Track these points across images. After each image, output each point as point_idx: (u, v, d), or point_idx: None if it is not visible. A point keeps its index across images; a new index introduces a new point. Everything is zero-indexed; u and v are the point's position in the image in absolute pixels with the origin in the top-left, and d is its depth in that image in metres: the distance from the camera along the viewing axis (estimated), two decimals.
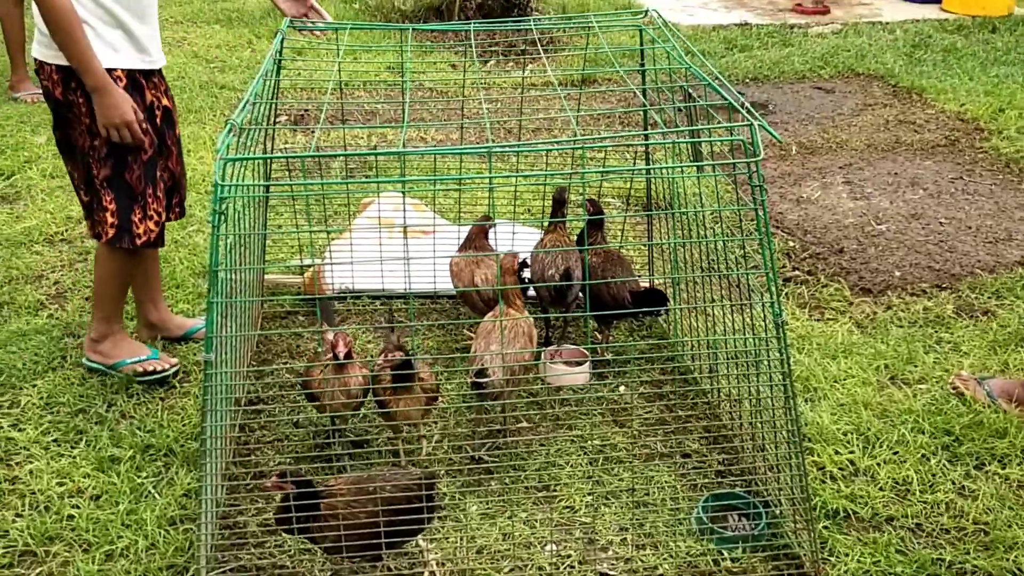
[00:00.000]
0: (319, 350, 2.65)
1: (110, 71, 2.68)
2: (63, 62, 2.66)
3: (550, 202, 3.27)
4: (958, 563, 2.36)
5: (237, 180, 2.28)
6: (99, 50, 2.66)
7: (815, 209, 4.46)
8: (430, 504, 2.23)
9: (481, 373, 2.59)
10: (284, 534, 2.30)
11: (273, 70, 2.76)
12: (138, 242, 2.83)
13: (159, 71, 2.92)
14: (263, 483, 2.18)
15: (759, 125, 2.11)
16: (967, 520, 2.50)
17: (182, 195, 3.11)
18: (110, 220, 2.80)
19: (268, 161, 3.19)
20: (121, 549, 2.40)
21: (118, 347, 3.03)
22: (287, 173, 4.04)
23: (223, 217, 2.02)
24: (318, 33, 3.06)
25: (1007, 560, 2.36)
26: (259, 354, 3.24)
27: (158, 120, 2.89)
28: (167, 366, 3.02)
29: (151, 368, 3.00)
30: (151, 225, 2.84)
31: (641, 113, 3.27)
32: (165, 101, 2.94)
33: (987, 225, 4.22)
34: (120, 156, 2.75)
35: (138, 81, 2.81)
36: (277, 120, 5.20)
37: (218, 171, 2.01)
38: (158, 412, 2.91)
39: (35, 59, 2.78)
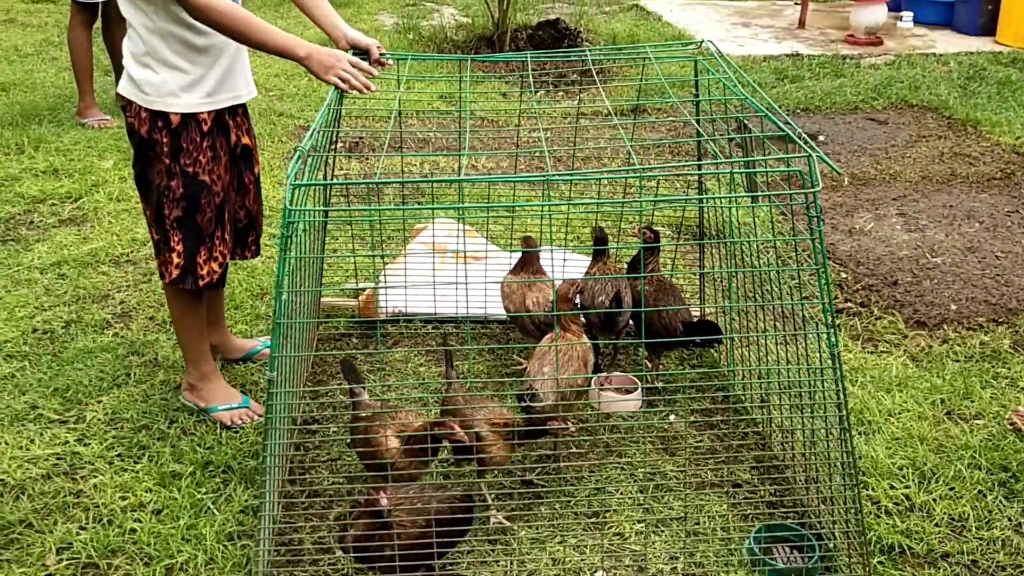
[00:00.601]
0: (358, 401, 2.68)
1: (197, 115, 2.71)
2: (150, 105, 2.68)
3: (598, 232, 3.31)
4: None
5: (302, 204, 2.35)
6: (191, 96, 2.68)
7: (868, 240, 4.43)
8: (470, 516, 2.30)
9: (532, 396, 2.62)
10: (350, 557, 2.33)
11: (336, 98, 2.85)
12: (201, 283, 2.85)
13: (244, 105, 2.94)
14: (378, 498, 2.22)
15: (817, 156, 2.12)
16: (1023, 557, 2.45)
17: (258, 233, 3.13)
18: (176, 260, 2.82)
19: (328, 187, 3.27)
20: (181, 563, 2.46)
21: (214, 393, 3.05)
22: (344, 199, 4.13)
23: (292, 241, 2.09)
24: (388, 62, 3.11)
25: None
26: (314, 375, 3.31)
27: (237, 159, 2.93)
28: (256, 417, 3.02)
29: (240, 422, 3.00)
30: (215, 267, 2.86)
31: (692, 143, 3.29)
32: (246, 139, 2.96)
33: None
34: (194, 198, 2.77)
35: (224, 121, 2.84)
36: (335, 147, 5.33)
37: (288, 196, 2.08)
38: (217, 429, 2.99)
39: (120, 95, 2.78)
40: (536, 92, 6.44)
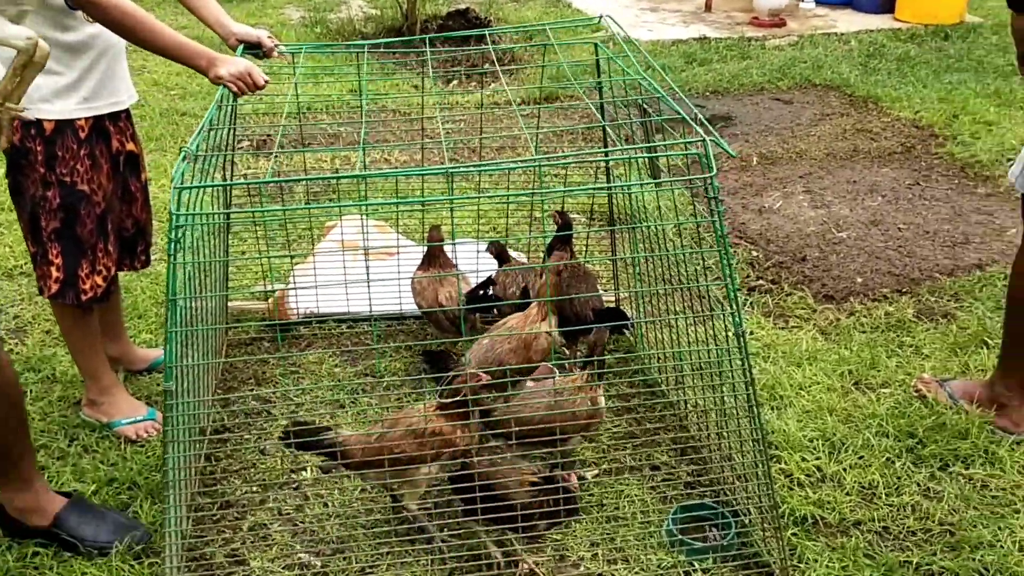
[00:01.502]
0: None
1: (72, 122, 2.59)
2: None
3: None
4: (925, 564, 2.39)
5: (195, 207, 2.26)
6: (66, 102, 2.56)
7: (777, 219, 4.51)
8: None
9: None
10: None
11: (228, 95, 2.75)
12: (83, 298, 2.71)
13: (127, 111, 2.83)
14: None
15: (712, 140, 2.13)
16: (933, 521, 2.52)
17: (148, 243, 3.01)
18: (55, 274, 2.67)
19: (228, 188, 3.17)
20: None
21: (116, 406, 2.92)
22: (249, 199, 4.02)
23: (180, 245, 2.00)
24: (276, 55, 3.03)
25: (973, 560, 2.39)
26: (224, 382, 3.21)
27: (121, 166, 2.81)
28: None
29: (145, 435, 2.88)
30: (98, 280, 2.72)
31: (603, 135, 3.30)
32: (131, 145, 2.84)
33: (944, 229, 4.29)
34: (72, 209, 2.63)
35: (104, 127, 2.71)
36: (239, 146, 5.18)
37: (173, 200, 1.99)
38: (121, 445, 2.87)
39: None
40: (450, 82, 6.38)
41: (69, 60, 2.57)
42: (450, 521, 2.49)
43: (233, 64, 2.67)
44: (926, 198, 4.65)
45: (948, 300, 3.68)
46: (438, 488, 2.50)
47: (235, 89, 2.66)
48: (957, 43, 7.25)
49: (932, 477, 2.69)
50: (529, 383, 2.75)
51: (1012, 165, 2.71)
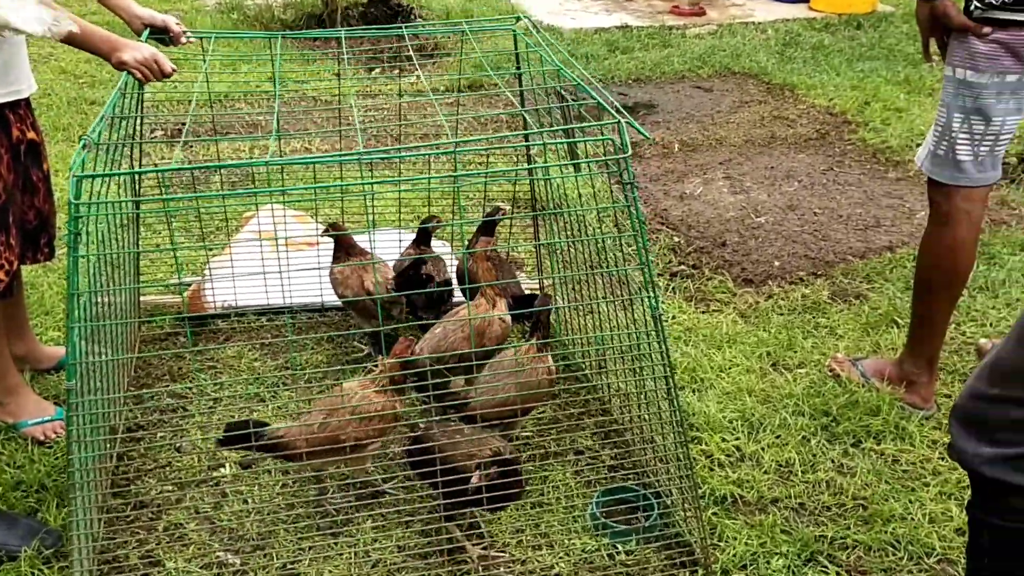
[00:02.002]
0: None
1: None
2: None
3: (437, 209, 3.26)
4: (839, 538, 2.45)
5: (100, 198, 2.17)
6: None
7: (698, 204, 4.58)
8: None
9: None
10: None
11: (133, 83, 2.65)
12: None
13: (27, 100, 2.70)
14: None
15: (627, 123, 2.14)
16: (846, 496, 2.60)
17: (51, 235, 2.88)
18: None
19: (137, 178, 3.06)
20: None
21: (22, 406, 2.80)
22: (164, 190, 3.89)
23: (79, 238, 1.92)
24: (183, 41, 2.94)
25: (885, 532, 2.46)
26: (138, 379, 3.11)
27: (23, 156, 2.68)
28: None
29: (54, 435, 2.77)
30: (0, 275, 2.62)
31: (523, 121, 3.29)
32: (31, 134, 2.72)
33: (857, 213, 4.42)
34: None
35: (4, 116, 2.58)
36: (152, 135, 5.02)
37: (72, 189, 1.91)
38: (28, 446, 2.76)
39: None
40: (372, 71, 6.29)
41: None
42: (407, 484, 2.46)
43: (137, 50, 2.58)
44: (840, 183, 4.77)
45: (861, 282, 3.78)
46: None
47: (139, 76, 2.57)
48: (869, 32, 7.46)
49: (845, 453, 2.77)
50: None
51: (919, 149, 2.80)
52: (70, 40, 2.49)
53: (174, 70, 2.65)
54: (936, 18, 2.60)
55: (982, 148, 2.63)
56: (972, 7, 2.51)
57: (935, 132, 2.71)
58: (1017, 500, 1.63)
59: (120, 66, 2.55)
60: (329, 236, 3.17)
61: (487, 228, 3.26)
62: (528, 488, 2.61)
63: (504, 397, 2.54)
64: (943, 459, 2.74)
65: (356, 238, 3.23)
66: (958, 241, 2.73)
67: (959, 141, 2.64)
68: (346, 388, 2.44)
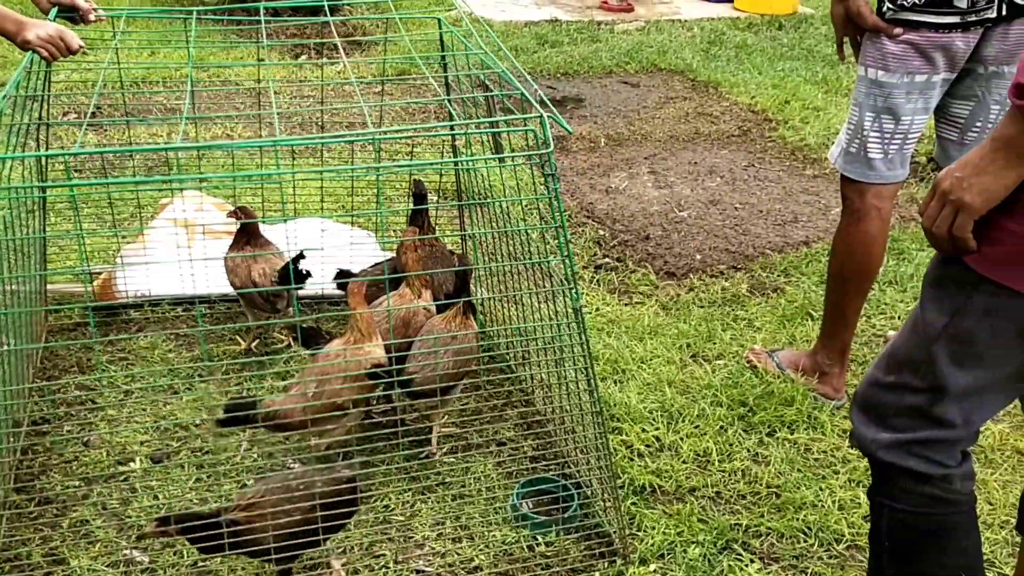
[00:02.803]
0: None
1: None
2: None
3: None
4: (754, 526, 2.51)
5: (5, 182, 2.07)
6: None
7: (623, 198, 4.62)
8: (352, 498, 2.20)
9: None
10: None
11: (39, 62, 2.54)
12: None
13: None
14: (144, 532, 2.07)
15: (550, 117, 2.14)
16: (761, 485, 2.66)
17: None
18: None
19: (44, 162, 2.94)
20: None
21: None
22: (71, 175, 3.75)
23: None
24: (92, 19, 2.83)
25: (797, 519, 2.53)
26: (44, 370, 2.99)
27: None
28: None
29: None
30: None
31: (449, 112, 3.26)
32: None
33: (776, 209, 4.52)
34: None
35: None
36: (65, 117, 4.83)
37: None
38: None
39: None
40: (298, 57, 6.17)
41: None
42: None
43: (42, 27, 2.48)
44: (760, 179, 4.88)
45: (778, 275, 3.87)
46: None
47: (45, 54, 2.47)
48: (790, 32, 7.64)
49: (761, 443, 2.83)
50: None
51: (833, 147, 2.87)
52: None
53: (81, 47, 2.55)
54: (850, 18, 2.67)
55: (891, 146, 2.71)
56: (884, 8, 2.58)
57: (847, 130, 2.79)
58: (911, 484, 1.69)
59: (24, 45, 2.45)
60: (236, 220, 3.09)
61: (415, 217, 3.22)
62: (450, 480, 2.61)
63: (443, 365, 2.57)
64: (852, 447, 2.82)
65: (277, 227, 3.16)
66: (869, 236, 2.81)
67: (870, 139, 2.72)
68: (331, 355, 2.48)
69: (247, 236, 3.09)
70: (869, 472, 2.68)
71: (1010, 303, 1.51)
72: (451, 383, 2.63)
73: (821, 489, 2.64)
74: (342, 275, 2.98)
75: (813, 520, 2.52)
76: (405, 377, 2.58)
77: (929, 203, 1.51)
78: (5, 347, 2.26)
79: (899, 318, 3.55)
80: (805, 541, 2.47)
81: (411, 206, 3.23)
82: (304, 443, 2.62)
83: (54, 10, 2.74)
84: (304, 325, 2.76)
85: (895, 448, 1.68)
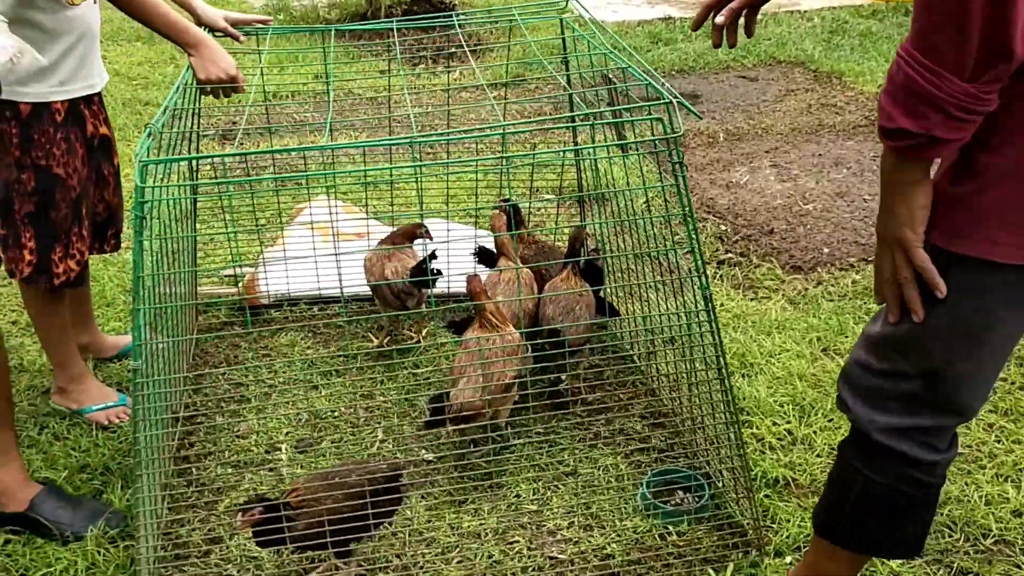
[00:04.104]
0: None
1: (49, 105, 2.55)
2: None
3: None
4: None
5: (161, 190, 2.24)
6: (42, 84, 2.52)
7: (744, 193, 4.55)
8: (396, 492, 2.28)
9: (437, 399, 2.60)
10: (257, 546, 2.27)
11: (192, 80, 2.73)
12: (56, 282, 2.66)
13: (99, 94, 2.79)
14: (235, 521, 2.23)
15: (678, 103, 2.14)
16: None
17: (118, 227, 2.97)
18: (27, 258, 2.62)
19: (194, 171, 3.15)
20: (60, 571, 2.34)
21: (86, 393, 2.90)
22: (220, 178, 3.99)
23: (145, 222, 1.99)
24: (242, 37, 3.02)
25: (941, 514, 2.44)
26: (196, 367, 3.19)
27: (95, 151, 2.77)
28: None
29: (117, 420, 2.87)
30: (72, 265, 2.68)
31: (569, 106, 3.30)
32: (104, 129, 2.81)
33: None
34: (47, 193, 2.59)
35: (79, 111, 2.66)
36: (205, 133, 5.13)
37: (137, 174, 1.97)
38: (93, 431, 2.85)
39: None
40: (416, 66, 6.35)
41: (47, 43, 2.51)
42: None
43: (222, 61, 2.70)
44: None
45: None
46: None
47: (208, 91, 2.70)
48: None
49: None
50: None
51: None
52: (156, 25, 2.66)
53: (243, 90, 2.77)
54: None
55: None
56: None
57: None
58: (899, 465, 1.67)
59: (203, 82, 2.69)
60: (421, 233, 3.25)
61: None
62: (580, 471, 2.64)
63: (579, 322, 2.80)
64: (999, 442, 2.70)
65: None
66: None
67: None
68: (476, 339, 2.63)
69: (391, 239, 3.22)
70: (1018, 467, 2.57)
71: (984, 277, 1.47)
72: (589, 335, 2.85)
73: (967, 484, 2.54)
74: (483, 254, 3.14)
75: (959, 515, 2.43)
76: (559, 338, 2.74)
77: (880, 260, 1.54)
78: (165, 341, 2.43)
79: None
80: (951, 536, 2.38)
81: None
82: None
83: (205, 30, 2.95)
84: (457, 318, 2.90)
85: (893, 433, 1.65)
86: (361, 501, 2.19)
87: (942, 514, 2.43)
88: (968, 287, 1.49)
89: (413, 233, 3.25)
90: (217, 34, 3.02)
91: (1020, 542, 2.35)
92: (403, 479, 2.34)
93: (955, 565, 2.29)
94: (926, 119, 1.33)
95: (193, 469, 2.68)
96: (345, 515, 2.17)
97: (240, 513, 2.16)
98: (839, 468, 1.82)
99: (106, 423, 2.87)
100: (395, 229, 3.33)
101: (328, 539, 2.16)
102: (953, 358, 1.56)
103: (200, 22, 2.95)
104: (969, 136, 1.37)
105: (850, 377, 1.71)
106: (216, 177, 2.70)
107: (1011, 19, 1.22)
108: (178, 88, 2.56)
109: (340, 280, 2.52)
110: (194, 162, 3.11)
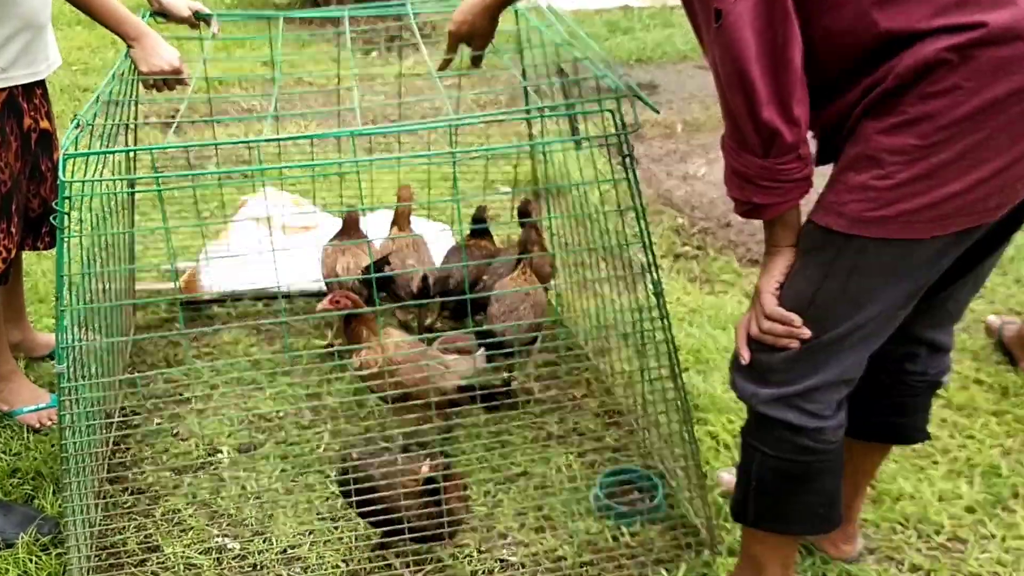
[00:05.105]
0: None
1: None
2: None
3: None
4: None
5: (91, 179, 2.13)
6: None
7: (702, 185, 4.52)
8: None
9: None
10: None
11: (131, 68, 2.61)
12: None
13: (43, 87, 2.65)
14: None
15: (635, 96, 2.08)
16: None
17: (53, 224, 2.85)
18: None
19: (132, 161, 3.02)
20: None
21: (16, 394, 2.77)
22: (157, 171, 3.85)
23: (70, 217, 1.88)
24: (215, 30, 2.91)
25: (894, 511, 2.42)
26: (133, 366, 3.07)
27: (33, 144, 2.62)
28: None
29: (49, 423, 2.74)
30: None
31: (524, 98, 3.23)
32: (44, 123, 2.66)
33: None
34: None
35: (17, 103, 2.50)
36: (146, 122, 4.97)
37: (62, 168, 1.86)
38: (24, 433, 2.72)
39: None
40: (369, 53, 6.23)
41: None
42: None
43: (165, 52, 2.60)
44: None
45: None
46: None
47: (152, 84, 2.59)
48: None
49: None
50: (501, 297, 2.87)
51: None
52: (95, 12, 2.53)
53: (188, 84, 2.66)
54: None
55: None
56: None
57: None
58: (787, 434, 1.74)
59: (146, 73, 2.58)
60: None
61: (477, 236, 3.24)
62: (531, 471, 2.58)
63: (525, 321, 2.77)
64: (952, 437, 2.70)
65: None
66: None
67: None
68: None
69: (345, 230, 3.12)
70: (971, 463, 2.56)
71: (877, 252, 1.56)
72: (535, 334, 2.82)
73: (919, 480, 2.52)
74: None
75: (911, 511, 2.42)
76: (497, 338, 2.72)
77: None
78: (96, 341, 2.32)
79: (997, 302, 3.38)
80: (903, 532, 2.37)
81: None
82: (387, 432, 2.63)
83: (147, 12, 2.82)
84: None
85: (775, 402, 1.73)
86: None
87: (894, 510, 2.42)
88: (858, 263, 1.58)
89: (357, 219, 3.16)
90: (159, 21, 2.90)
91: (973, 539, 2.34)
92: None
93: (907, 562, 2.28)
94: (743, 189, 1.60)
95: (129, 474, 2.57)
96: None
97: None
98: (742, 451, 1.89)
99: (37, 425, 2.74)
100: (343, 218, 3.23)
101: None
102: (827, 325, 1.65)
103: (159, 10, 2.84)
104: (792, 199, 1.60)
105: (735, 356, 1.79)
106: (153, 168, 2.59)
107: (765, 118, 1.47)
108: (113, 77, 2.44)
109: (277, 274, 2.40)
110: (132, 153, 2.98)
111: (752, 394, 1.76)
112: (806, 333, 1.65)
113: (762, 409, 1.75)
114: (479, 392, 2.50)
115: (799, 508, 1.84)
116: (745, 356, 1.74)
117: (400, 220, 3.15)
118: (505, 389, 2.68)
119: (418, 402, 2.41)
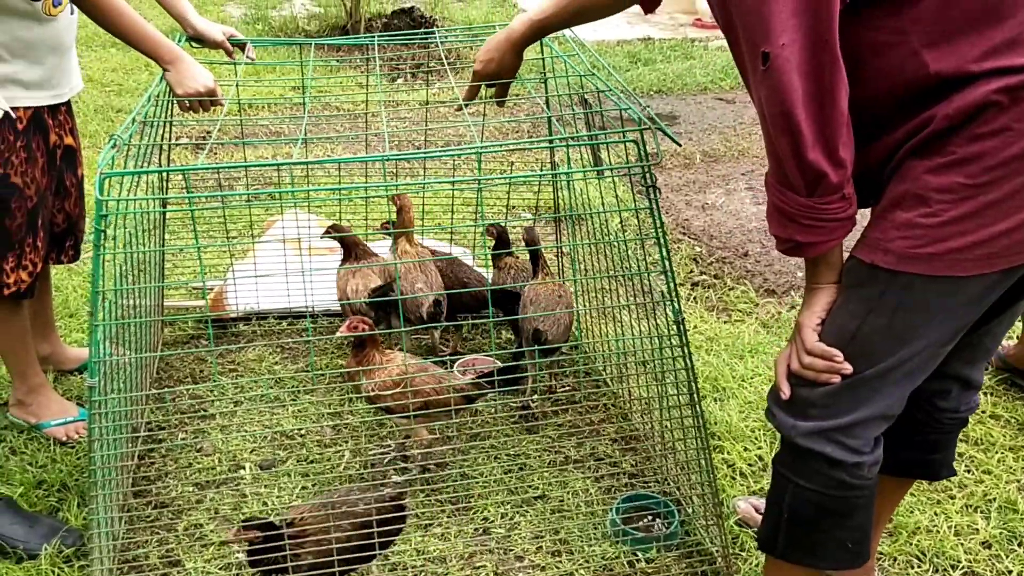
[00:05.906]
0: None
1: (13, 110, 2.48)
2: None
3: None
4: None
5: (126, 199, 2.19)
6: (4, 91, 2.45)
7: (720, 215, 4.56)
8: (399, 517, 2.22)
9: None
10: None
11: (166, 90, 2.68)
12: (6, 292, 2.59)
13: (68, 104, 2.74)
14: (228, 538, 2.15)
15: (656, 128, 2.13)
16: None
17: (77, 238, 2.91)
18: None
19: (164, 182, 3.09)
20: None
21: (45, 406, 2.82)
22: (189, 191, 3.93)
23: (105, 235, 1.94)
24: (252, 56, 2.99)
25: (911, 544, 2.43)
26: (159, 381, 3.12)
27: (58, 160, 2.71)
28: None
29: (76, 436, 2.80)
30: (23, 276, 2.60)
31: (547, 125, 3.29)
32: (69, 139, 2.75)
33: None
34: (2, 201, 2.52)
35: (43, 120, 2.61)
36: (177, 141, 5.07)
37: (97, 186, 1.92)
38: (51, 446, 2.77)
39: None
40: (395, 80, 6.33)
41: (19, 50, 2.47)
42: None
43: (200, 76, 2.66)
44: None
45: None
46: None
47: (187, 107, 2.66)
48: None
49: None
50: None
51: None
52: (130, 38, 2.60)
53: (223, 104, 2.73)
54: None
55: None
56: None
57: None
58: (824, 468, 1.73)
59: (182, 95, 2.64)
60: (330, 237, 3.18)
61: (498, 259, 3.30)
62: (548, 494, 2.60)
63: (564, 323, 2.88)
64: (969, 472, 2.70)
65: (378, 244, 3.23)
66: None
67: None
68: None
69: (349, 251, 3.17)
70: (988, 498, 2.56)
71: (924, 289, 1.55)
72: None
73: (936, 514, 2.53)
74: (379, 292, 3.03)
75: (928, 545, 2.42)
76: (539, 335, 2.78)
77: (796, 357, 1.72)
78: (126, 356, 2.37)
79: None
80: (919, 567, 2.37)
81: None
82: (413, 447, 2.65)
83: (183, 36, 2.90)
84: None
85: (815, 435, 1.71)
86: (367, 531, 2.12)
87: (911, 544, 2.42)
88: (904, 301, 1.57)
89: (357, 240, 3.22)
90: (194, 46, 2.99)
91: (989, 574, 2.34)
92: (407, 506, 2.27)
93: None
94: (785, 227, 1.60)
95: (153, 488, 2.61)
96: (352, 543, 2.09)
97: (239, 529, 2.06)
98: (773, 481, 1.88)
99: (64, 438, 2.79)
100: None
101: (336, 568, 2.08)
102: (871, 360, 1.64)
103: (194, 35, 2.92)
104: (836, 238, 1.58)
105: (775, 389, 1.78)
106: (187, 188, 2.65)
107: (811, 160, 1.47)
108: (149, 98, 2.52)
109: (307, 295, 2.46)
110: (164, 173, 3.05)
111: (792, 426, 1.74)
112: (848, 368, 1.64)
113: (801, 442, 1.73)
114: (497, 378, 2.54)
115: (831, 542, 1.81)
116: (785, 392, 1.72)
117: (405, 234, 3.11)
118: (521, 396, 2.72)
119: (440, 410, 2.45)
